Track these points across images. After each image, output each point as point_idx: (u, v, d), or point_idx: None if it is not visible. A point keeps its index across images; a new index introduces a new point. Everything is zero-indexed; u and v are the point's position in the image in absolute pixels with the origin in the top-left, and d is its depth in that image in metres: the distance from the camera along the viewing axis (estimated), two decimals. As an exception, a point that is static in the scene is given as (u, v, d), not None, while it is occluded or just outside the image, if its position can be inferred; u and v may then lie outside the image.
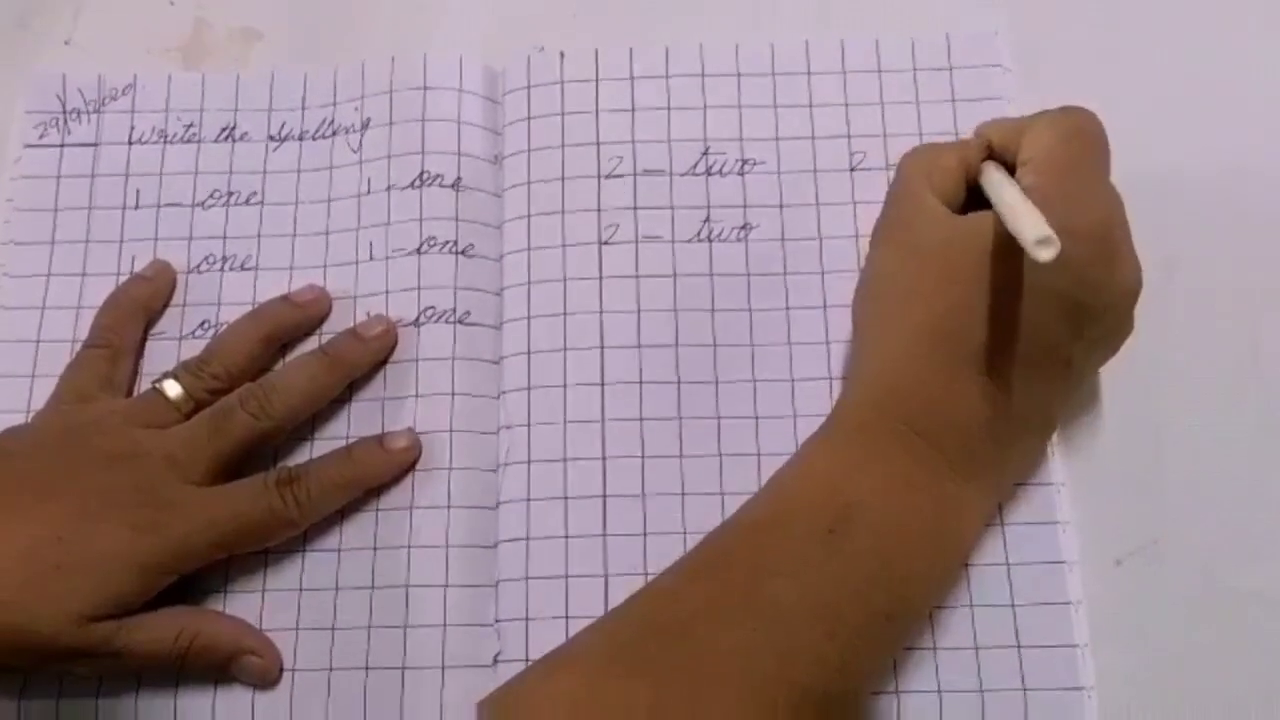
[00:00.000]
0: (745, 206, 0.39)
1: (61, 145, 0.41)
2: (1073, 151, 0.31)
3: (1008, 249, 0.29)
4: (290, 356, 0.38)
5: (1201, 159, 0.39)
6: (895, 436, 0.30)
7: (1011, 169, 0.32)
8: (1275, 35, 0.41)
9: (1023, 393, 0.31)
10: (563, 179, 0.39)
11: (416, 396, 0.37)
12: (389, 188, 0.39)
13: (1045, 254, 0.26)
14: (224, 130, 0.41)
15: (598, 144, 0.40)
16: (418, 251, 0.38)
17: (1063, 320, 0.30)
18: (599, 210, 0.39)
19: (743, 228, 0.39)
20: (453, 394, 0.37)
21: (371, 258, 0.39)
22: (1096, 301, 0.31)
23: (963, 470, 0.31)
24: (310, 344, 0.38)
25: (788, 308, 0.37)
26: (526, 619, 0.34)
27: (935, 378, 0.31)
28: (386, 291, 0.38)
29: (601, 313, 0.38)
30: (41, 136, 0.41)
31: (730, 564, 0.30)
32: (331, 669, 0.34)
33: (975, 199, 0.33)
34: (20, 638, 0.31)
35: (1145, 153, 0.39)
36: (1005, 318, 0.30)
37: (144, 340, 0.38)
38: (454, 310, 0.38)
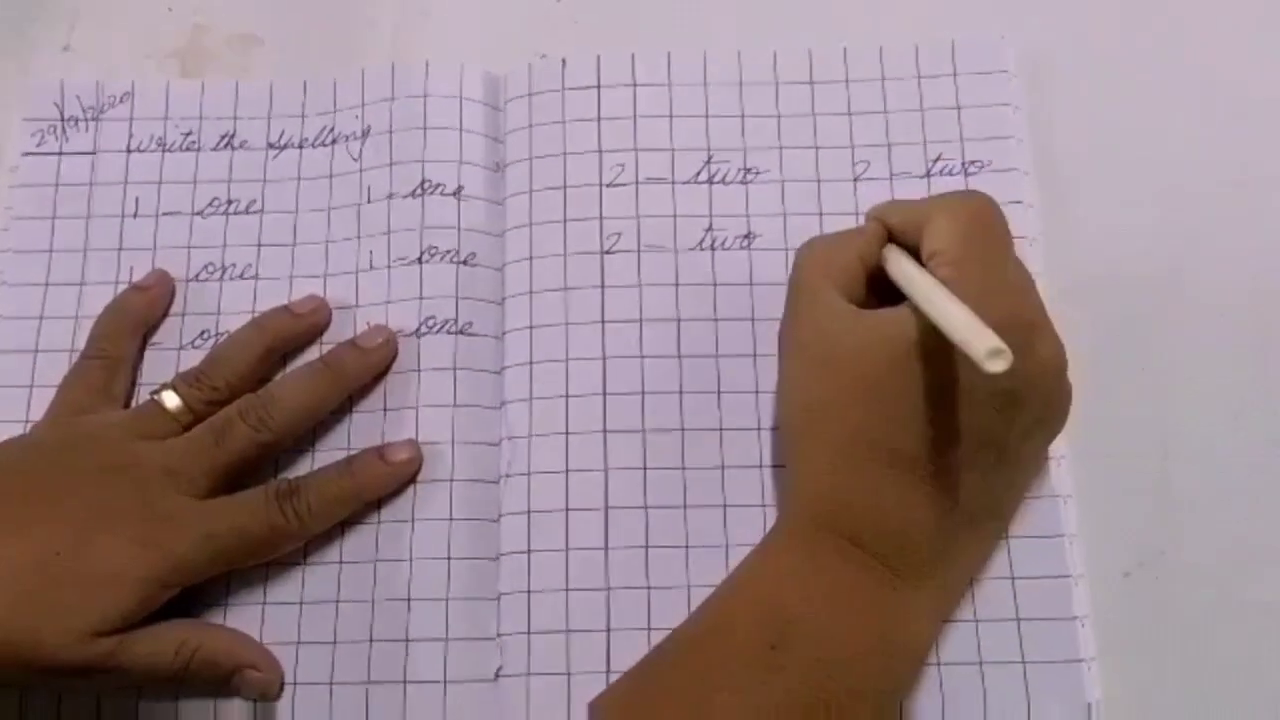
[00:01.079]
0: (748, 215, 0.39)
1: (59, 153, 0.41)
2: (978, 239, 0.31)
3: (928, 349, 0.29)
4: (290, 367, 0.37)
5: (1209, 166, 0.39)
6: (834, 548, 0.30)
7: (913, 254, 0.32)
8: (1276, 31, 0.40)
9: (962, 490, 0.30)
10: (564, 187, 0.39)
11: (417, 407, 0.36)
12: (389, 196, 0.39)
13: (997, 365, 0.25)
14: (223, 138, 0.41)
15: (600, 152, 0.39)
16: (419, 261, 0.38)
17: (991, 413, 0.30)
18: (601, 219, 0.38)
19: (745, 237, 0.38)
20: (454, 405, 0.36)
21: (372, 267, 0.38)
22: (1024, 386, 0.30)
23: (907, 575, 0.30)
24: (310, 354, 0.38)
25: (791, 317, 0.37)
26: (528, 633, 0.34)
27: (865, 488, 0.30)
28: (387, 301, 0.38)
29: (603, 322, 0.37)
30: (39, 144, 0.41)
31: (678, 676, 0.29)
32: (333, 682, 0.34)
33: (876, 283, 0.32)
34: (20, 654, 0.31)
35: (1151, 159, 0.39)
36: (932, 419, 0.29)
37: (142, 350, 0.38)
38: (455, 320, 0.37)
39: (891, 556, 0.30)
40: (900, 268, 0.31)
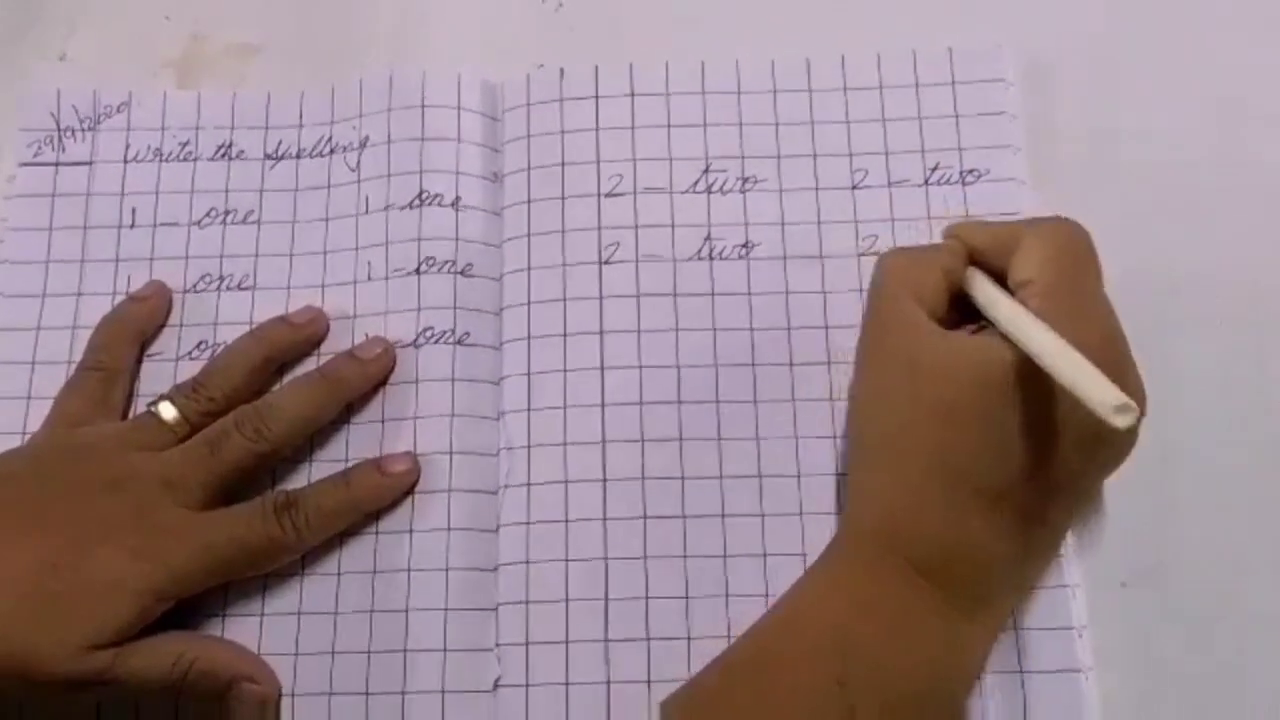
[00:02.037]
0: (746, 224, 0.39)
1: (56, 164, 0.40)
2: (1071, 273, 0.30)
3: (1024, 382, 0.28)
4: (287, 378, 0.37)
5: (1208, 174, 0.39)
6: (900, 576, 0.30)
7: (998, 279, 0.31)
8: (1275, 36, 0.40)
9: (1034, 526, 0.30)
10: (562, 197, 0.39)
11: (415, 418, 0.36)
12: (387, 207, 0.39)
13: (1124, 421, 0.25)
14: (220, 148, 0.40)
15: (598, 162, 0.39)
16: (416, 271, 0.38)
17: (1077, 449, 0.29)
18: (599, 229, 0.38)
19: (744, 246, 0.38)
20: (452, 415, 0.36)
21: (370, 278, 0.38)
22: (1106, 428, 0.29)
23: (968, 609, 0.30)
24: (308, 366, 0.38)
25: (789, 327, 0.37)
26: (527, 643, 0.34)
27: (942, 516, 0.29)
28: (385, 312, 0.38)
29: (602, 333, 0.37)
30: (36, 155, 0.41)
31: (745, 698, 0.29)
32: (331, 693, 0.34)
33: (956, 302, 0.32)
34: (18, 668, 0.31)
35: (1150, 167, 0.39)
36: (1018, 454, 0.29)
37: (140, 361, 0.38)
38: (453, 331, 0.37)
39: (957, 589, 0.29)
40: (989, 295, 0.31)
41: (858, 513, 0.32)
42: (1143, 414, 0.30)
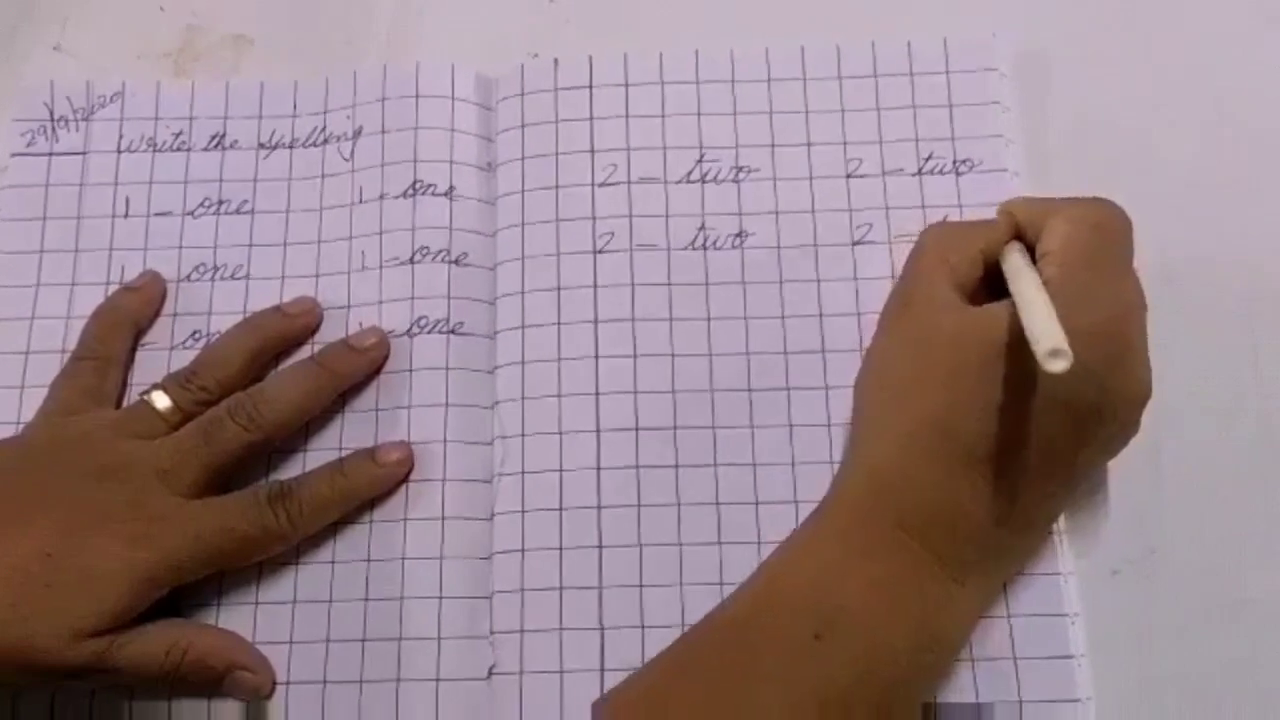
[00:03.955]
0: (741, 214, 0.39)
1: (50, 154, 0.40)
2: (1094, 246, 0.30)
3: (1020, 347, 0.28)
4: (281, 367, 0.37)
5: (1200, 164, 0.39)
6: (887, 537, 0.30)
7: (1033, 251, 0.32)
8: (1271, 31, 0.40)
9: (1023, 495, 0.30)
10: (557, 187, 0.39)
11: (410, 407, 0.36)
12: (381, 196, 0.39)
13: (1055, 365, 0.25)
14: (214, 138, 0.40)
15: (592, 151, 0.39)
16: (410, 261, 0.38)
17: (1070, 425, 0.29)
18: (593, 218, 0.38)
19: (738, 235, 0.38)
20: (446, 405, 0.36)
21: (364, 267, 0.38)
22: (1104, 404, 0.30)
23: (955, 572, 0.30)
24: (302, 355, 0.38)
25: (783, 316, 0.37)
26: (521, 631, 0.34)
27: (932, 476, 0.30)
28: (379, 301, 0.38)
29: (596, 322, 0.37)
30: (29, 145, 0.41)
31: (717, 665, 0.29)
32: (326, 682, 0.34)
33: (993, 280, 0.32)
34: (13, 655, 0.31)
35: (1143, 158, 0.39)
36: (1011, 419, 0.29)
37: (134, 351, 0.38)
38: (447, 320, 0.37)
39: (943, 551, 0.30)
40: (1010, 262, 0.31)
41: (848, 472, 0.32)
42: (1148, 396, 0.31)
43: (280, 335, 0.37)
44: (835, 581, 0.29)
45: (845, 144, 0.39)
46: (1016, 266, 0.31)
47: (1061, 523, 0.34)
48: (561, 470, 0.36)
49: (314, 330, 0.38)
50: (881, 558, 0.30)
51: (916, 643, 0.29)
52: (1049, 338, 0.26)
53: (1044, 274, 0.30)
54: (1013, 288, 0.30)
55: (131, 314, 0.38)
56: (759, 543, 0.35)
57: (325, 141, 0.40)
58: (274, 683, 0.34)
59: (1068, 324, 0.27)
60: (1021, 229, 0.33)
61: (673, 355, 0.37)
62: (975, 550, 0.30)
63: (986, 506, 0.30)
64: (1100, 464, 0.34)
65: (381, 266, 0.38)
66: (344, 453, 0.36)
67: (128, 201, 0.40)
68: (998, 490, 0.30)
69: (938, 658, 0.31)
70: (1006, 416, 0.29)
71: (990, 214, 0.35)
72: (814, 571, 0.30)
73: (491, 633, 0.34)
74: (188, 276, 0.39)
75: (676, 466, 0.36)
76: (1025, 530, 0.32)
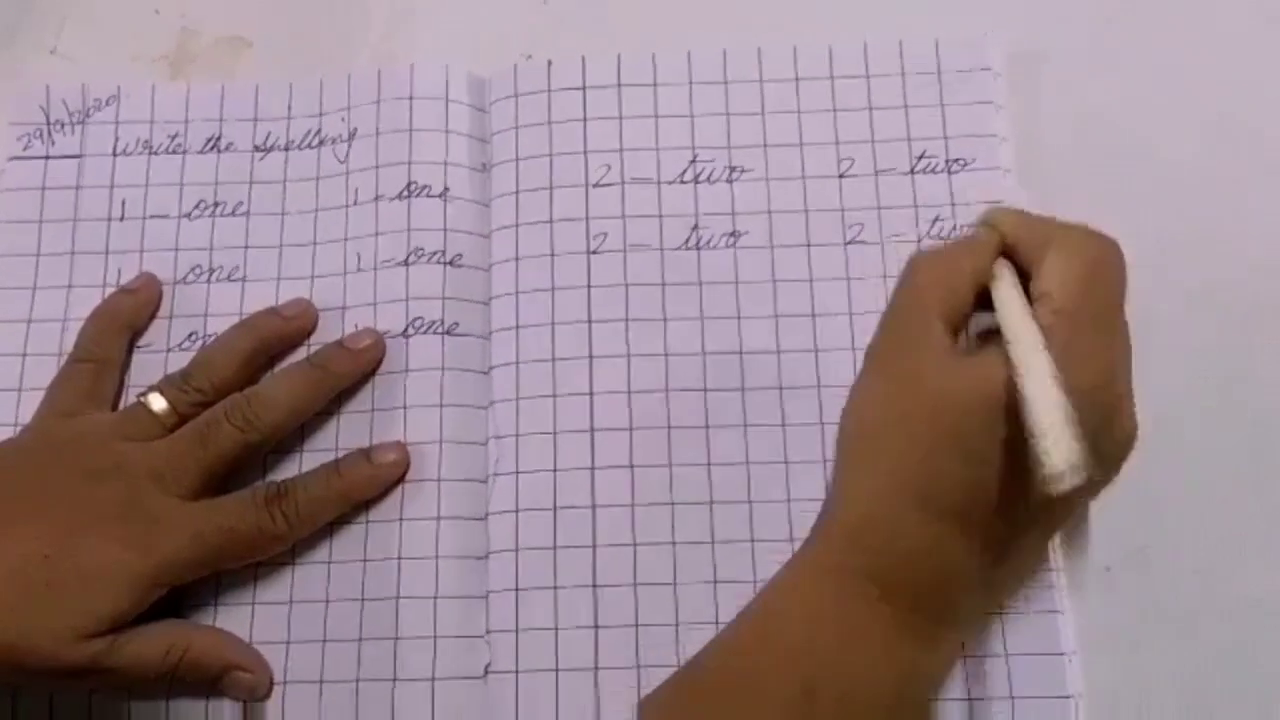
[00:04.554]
0: (734, 214, 0.39)
1: (46, 157, 0.41)
2: (1093, 295, 0.29)
3: (1010, 406, 0.27)
4: (277, 369, 0.38)
5: (1194, 162, 0.39)
6: (861, 590, 0.29)
7: (1023, 274, 0.30)
8: (1271, 31, 0.40)
9: (1004, 549, 0.29)
10: (550, 188, 0.39)
11: (405, 408, 0.37)
12: (376, 198, 0.39)
13: (1059, 485, 0.25)
14: (209, 141, 0.41)
15: (585, 152, 0.39)
16: (405, 262, 0.38)
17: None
18: (587, 219, 0.39)
19: (731, 235, 0.39)
20: (441, 405, 0.37)
21: (359, 269, 0.38)
22: (1095, 460, 0.28)
23: (938, 616, 0.29)
24: (298, 357, 0.38)
25: (776, 315, 0.37)
26: (517, 630, 0.34)
27: (908, 530, 0.29)
28: (374, 303, 0.38)
29: (590, 322, 0.37)
30: (25, 148, 0.41)
31: (710, 717, 0.29)
32: (322, 681, 0.34)
33: (982, 294, 0.31)
34: (12, 657, 0.31)
35: (1137, 157, 0.39)
36: (994, 474, 0.28)
37: (130, 353, 0.38)
38: (442, 321, 0.38)
39: (921, 600, 0.29)
40: (1004, 302, 0.30)
41: (828, 516, 0.31)
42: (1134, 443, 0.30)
43: (276, 337, 0.37)
44: (819, 634, 0.29)
45: (838, 144, 0.39)
46: (1010, 309, 0.29)
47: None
48: (556, 470, 0.36)
49: (310, 332, 0.38)
50: (860, 615, 0.29)
51: (892, 704, 0.29)
52: (1061, 450, 0.25)
53: (1040, 317, 0.29)
54: (1008, 339, 0.28)
55: (128, 316, 0.38)
56: (752, 541, 0.35)
57: (320, 143, 0.40)
58: (271, 682, 0.34)
59: (1065, 383, 0.26)
60: (1010, 247, 0.31)
61: (666, 355, 0.37)
62: (952, 606, 0.29)
63: (966, 561, 0.29)
64: (1082, 506, 0.33)
65: (377, 268, 0.38)
66: (340, 453, 0.36)
67: (124, 204, 0.40)
68: (980, 546, 0.29)
69: (926, 693, 0.30)
70: (989, 474, 0.28)
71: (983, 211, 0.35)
72: (801, 621, 0.29)
73: (487, 632, 0.35)
74: (184, 278, 0.39)
75: (670, 466, 0.36)
76: (1003, 582, 0.31)
